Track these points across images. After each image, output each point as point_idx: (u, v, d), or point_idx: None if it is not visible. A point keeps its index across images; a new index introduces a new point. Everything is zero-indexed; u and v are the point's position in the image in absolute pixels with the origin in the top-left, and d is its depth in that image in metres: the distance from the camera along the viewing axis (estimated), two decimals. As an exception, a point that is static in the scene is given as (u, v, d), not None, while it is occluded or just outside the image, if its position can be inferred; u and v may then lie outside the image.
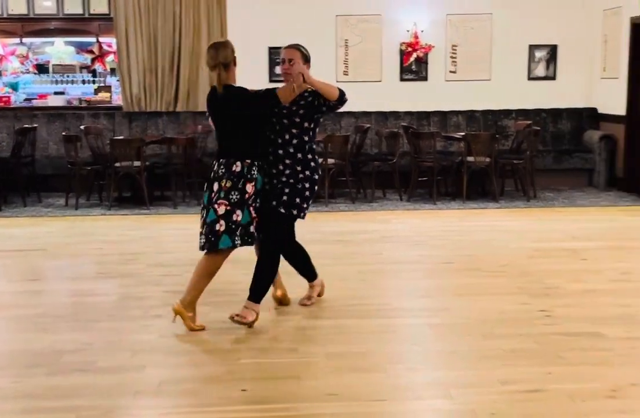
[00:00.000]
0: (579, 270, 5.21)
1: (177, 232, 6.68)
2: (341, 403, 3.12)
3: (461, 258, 5.63)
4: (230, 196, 3.91)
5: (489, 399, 3.15)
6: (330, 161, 7.90)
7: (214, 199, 3.94)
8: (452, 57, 9.40)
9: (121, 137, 8.36)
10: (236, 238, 3.94)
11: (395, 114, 9.36)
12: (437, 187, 8.13)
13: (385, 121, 9.33)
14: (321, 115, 4.16)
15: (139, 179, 7.73)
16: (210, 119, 4.13)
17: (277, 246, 4.13)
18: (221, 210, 3.91)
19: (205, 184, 4.04)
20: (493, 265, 5.37)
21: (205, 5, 9.15)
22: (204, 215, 3.98)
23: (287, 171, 4.05)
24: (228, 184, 3.91)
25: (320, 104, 4.07)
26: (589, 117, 9.30)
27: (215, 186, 3.95)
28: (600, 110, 9.24)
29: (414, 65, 9.38)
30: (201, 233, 3.98)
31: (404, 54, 9.32)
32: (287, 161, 4.05)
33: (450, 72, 9.42)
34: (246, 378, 3.38)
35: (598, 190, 8.74)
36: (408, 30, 9.25)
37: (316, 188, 4.20)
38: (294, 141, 4.06)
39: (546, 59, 9.40)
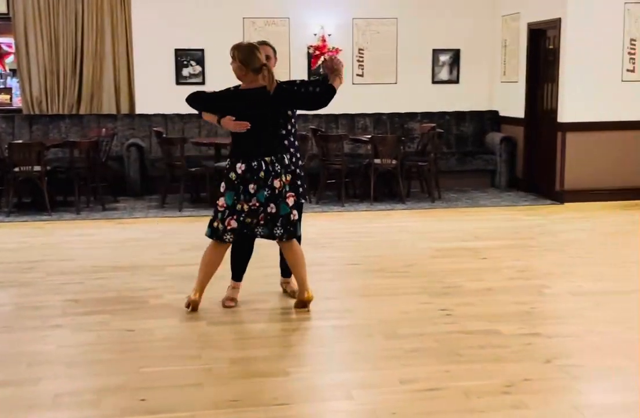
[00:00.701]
0: (479, 268, 5.37)
1: (79, 238, 6.52)
2: (243, 409, 3.11)
3: (367, 259, 5.71)
4: (294, 187, 4.28)
5: (389, 399, 3.21)
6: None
7: (282, 194, 4.20)
8: (359, 60, 9.52)
9: (20, 141, 8.09)
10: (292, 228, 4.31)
11: (303, 117, 9.38)
12: (345, 189, 8.22)
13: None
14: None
15: (40, 184, 7.50)
16: (219, 118, 4.18)
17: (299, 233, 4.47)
18: (291, 202, 4.24)
19: (251, 186, 4.15)
20: (398, 265, 5.46)
21: (109, 5, 8.96)
22: (272, 209, 4.19)
23: (293, 159, 4.37)
24: (289, 178, 4.24)
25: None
26: (491, 119, 9.61)
27: (278, 183, 4.18)
28: (501, 113, 9.55)
29: (321, 68, 9.44)
30: (272, 225, 4.22)
31: (311, 58, 9.39)
32: (292, 150, 4.39)
33: (357, 75, 9.54)
34: (146, 387, 3.33)
35: (499, 190, 9.03)
36: (315, 34, 9.32)
37: None
38: (293, 130, 4.41)
39: (449, 63, 9.64)
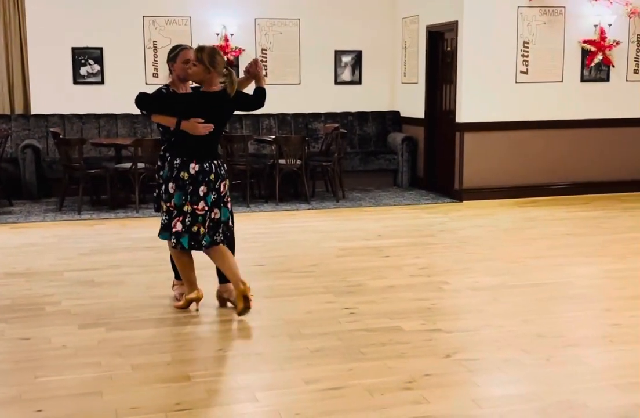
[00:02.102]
0: (381, 266, 5.45)
1: (-28, 244, 6.24)
2: (145, 416, 3.05)
3: (272, 259, 5.70)
4: (227, 193, 4.29)
5: (293, 399, 3.21)
6: (141, 165, 7.71)
7: (224, 199, 4.23)
8: (262, 61, 9.49)
9: None
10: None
11: (207, 117, 9.30)
12: (250, 190, 8.19)
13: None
14: None
15: None
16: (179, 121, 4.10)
17: None
18: (229, 207, 4.30)
19: (202, 188, 4.13)
20: (302, 265, 5.49)
21: (0, 0, 8.61)
22: (216, 215, 4.19)
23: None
24: (227, 183, 4.28)
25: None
26: (392, 120, 9.78)
27: (222, 187, 4.22)
28: (403, 113, 9.74)
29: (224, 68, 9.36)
30: (214, 231, 4.20)
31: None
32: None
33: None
34: (43, 397, 3.21)
35: (401, 189, 9.21)
36: (218, 34, 9.23)
37: None
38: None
39: (352, 64, 9.75)
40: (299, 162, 8.10)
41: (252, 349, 3.85)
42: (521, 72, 8.39)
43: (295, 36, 9.53)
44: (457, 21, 8.28)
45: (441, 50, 8.86)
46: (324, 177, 8.77)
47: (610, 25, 8.44)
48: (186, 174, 4.13)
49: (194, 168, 4.12)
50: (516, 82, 8.39)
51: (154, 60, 9.15)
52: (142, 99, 4.20)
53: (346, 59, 9.73)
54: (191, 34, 9.20)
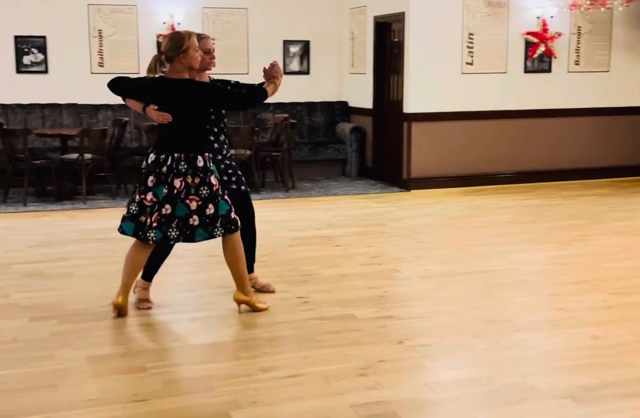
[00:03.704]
0: (333, 255, 5.51)
1: None
2: (101, 408, 3.04)
3: (224, 250, 5.69)
4: (201, 192, 3.96)
5: (250, 388, 3.24)
6: (88, 156, 7.61)
7: (181, 195, 3.94)
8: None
9: None
10: (215, 230, 4.02)
11: (150, 109, 9.21)
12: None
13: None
14: None
15: None
16: (144, 106, 4.01)
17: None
18: (193, 205, 3.96)
19: (151, 178, 3.95)
20: (255, 255, 5.49)
21: (-63, -13, 8.36)
22: (167, 210, 3.94)
23: (228, 154, 4.34)
24: (197, 181, 3.95)
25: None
26: (341, 110, 9.83)
27: (179, 183, 3.93)
28: (351, 104, 9.80)
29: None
30: (167, 226, 3.96)
31: (161, 47, 9.18)
32: (225, 145, 4.31)
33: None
34: (-4, 391, 3.18)
35: (351, 179, 9.28)
36: (165, 22, 9.13)
37: None
38: (222, 125, 4.32)
39: (300, 54, 9.76)
40: (248, 152, 8.09)
41: (208, 339, 3.86)
42: (467, 63, 8.53)
43: (243, 26, 9.48)
44: (403, 12, 8.36)
45: (389, 41, 8.93)
46: (273, 167, 8.78)
47: (552, 17, 8.63)
48: (144, 163, 4.03)
49: (151, 157, 3.99)
50: (462, 73, 8.52)
51: (100, 49, 9.00)
52: (113, 82, 4.10)
53: (294, 49, 9.73)
54: (137, 22, 9.08)
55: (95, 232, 6.31)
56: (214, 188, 3.99)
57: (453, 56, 8.46)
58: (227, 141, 4.38)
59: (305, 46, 9.74)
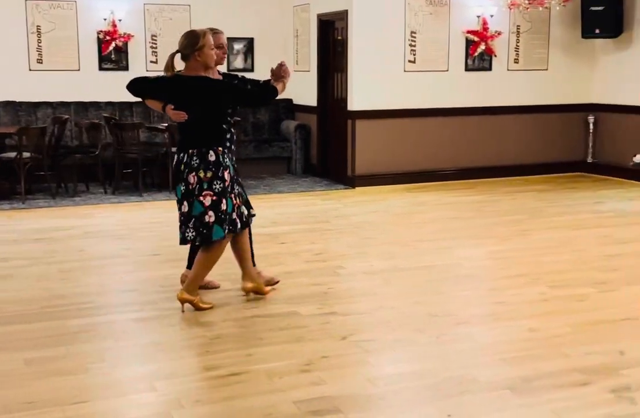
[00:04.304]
0: (277, 253, 5.51)
1: None
2: (40, 410, 2.99)
3: (167, 248, 5.65)
4: (214, 186, 3.97)
5: (193, 387, 3.23)
6: (26, 154, 7.44)
7: (195, 191, 3.96)
8: (152, 47, 9.33)
9: None
10: (225, 227, 4.02)
11: (96, 105, 9.07)
12: (142, 179, 8.06)
13: (85, 111, 9.01)
14: None
15: None
16: (164, 106, 4.06)
17: None
18: (207, 201, 3.97)
19: (177, 178, 4.05)
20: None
21: None
22: (185, 208, 4.01)
23: (233, 157, 4.30)
24: (209, 175, 3.96)
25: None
26: (285, 108, 9.82)
27: (192, 178, 3.96)
28: (295, 101, 9.80)
29: (113, 54, 9.14)
30: (185, 226, 4.02)
31: (102, 43, 9.05)
32: (233, 147, 4.26)
33: (151, 62, 9.34)
34: None
35: (296, 176, 9.29)
36: (105, 19, 8.99)
37: None
38: (232, 121, 4.27)
39: (244, 52, 9.72)
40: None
41: (150, 339, 3.82)
42: (409, 61, 8.61)
43: (186, 22, 9.38)
44: (346, 10, 8.39)
45: (332, 38, 8.96)
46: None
47: (492, 16, 8.78)
48: (180, 166, 4.07)
49: (175, 158, 4.08)
50: (404, 71, 8.60)
51: (38, 45, 8.81)
52: (132, 84, 4.15)
53: (238, 46, 9.68)
54: (77, 18, 8.92)
55: (34, 232, 6.18)
56: (227, 183, 4.04)
57: (396, 54, 8.53)
58: (234, 137, 4.37)
59: (250, 43, 9.71)
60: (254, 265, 4.54)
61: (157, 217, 6.87)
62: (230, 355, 3.56)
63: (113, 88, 9.10)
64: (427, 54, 8.67)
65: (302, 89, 9.51)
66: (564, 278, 4.84)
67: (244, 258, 4.33)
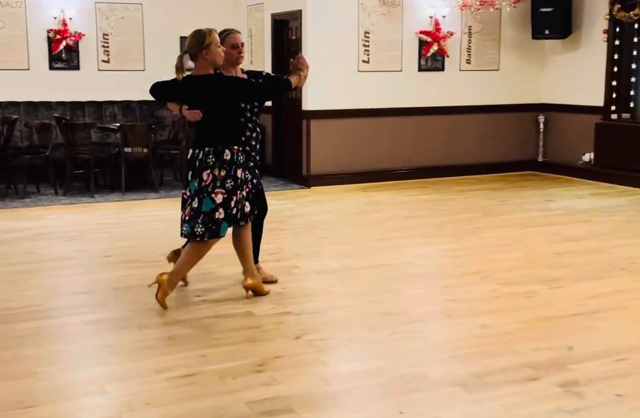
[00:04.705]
0: (231, 253, 5.36)
1: None
2: (-14, 416, 2.93)
3: (120, 250, 5.59)
4: (226, 185, 4.09)
5: (144, 389, 3.19)
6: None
7: (208, 188, 4.07)
8: (104, 46, 9.21)
9: None
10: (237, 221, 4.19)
11: (46, 105, 8.93)
12: (94, 179, 7.95)
13: (35, 111, 8.86)
14: None
15: None
16: (180, 107, 4.17)
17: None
18: (219, 199, 4.08)
19: (190, 173, 4.15)
20: (151, 254, 5.42)
21: None
22: (195, 204, 4.10)
23: (256, 158, 4.49)
24: (223, 173, 4.08)
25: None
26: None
27: (206, 176, 4.07)
28: (250, 101, 9.76)
29: (64, 53, 9.01)
30: (194, 222, 4.08)
31: (52, 42, 8.91)
32: (257, 146, 4.47)
33: (103, 61, 9.23)
34: None
35: (251, 177, 9.25)
36: (55, 17, 8.85)
37: None
38: (257, 121, 4.50)
39: (197, 51, 9.63)
40: (145, 150, 7.95)
41: (102, 341, 3.77)
42: (363, 61, 8.65)
43: (138, 21, 9.30)
44: (300, 10, 8.40)
45: (286, 38, 8.96)
46: (172, 165, 8.66)
47: (444, 17, 8.87)
48: (195, 163, 4.17)
49: (190, 154, 4.18)
50: (359, 71, 8.64)
51: (-14, 44, 8.64)
52: (152, 89, 4.25)
53: (191, 45, 9.59)
54: (26, 17, 8.77)
55: (-18, 234, 6.06)
56: (238, 181, 4.15)
57: (350, 54, 8.57)
58: (259, 136, 4.50)
59: (203, 43, 9.63)
60: (257, 261, 4.64)
61: (109, 218, 6.79)
62: (183, 356, 3.54)
63: (64, 88, 8.98)
64: (381, 54, 8.71)
65: (257, 88, 9.48)
66: (514, 276, 4.91)
67: (245, 254, 4.40)
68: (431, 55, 8.94)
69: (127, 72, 9.27)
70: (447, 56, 9.03)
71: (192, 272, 4.96)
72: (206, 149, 4.10)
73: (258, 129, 4.51)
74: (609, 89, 8.76)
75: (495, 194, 8.06)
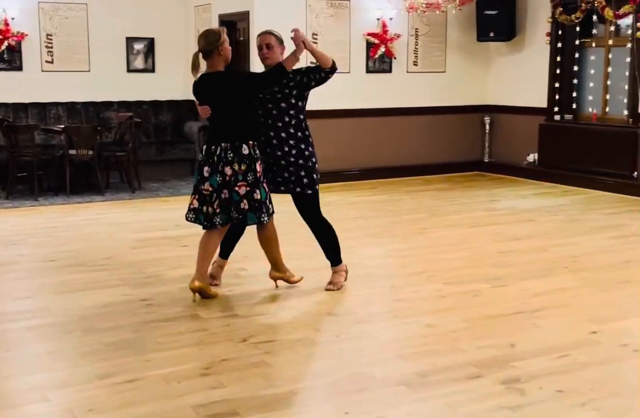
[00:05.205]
0: (179, 256, 5.44)
1: None
2: None
3: (64, 254, 5.50)
4: (248, 178, 4.24)
5: (87, 396, 3.14)
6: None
7: (232, 183, 4.21)
8: (47, 47, 9.04)
9: None
10: (262, 215, 4.34)
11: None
12: (38, 182, 7.80)
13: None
14: (309, 91, 4.51)
15: None
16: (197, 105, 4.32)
17: (320, 220, 4.75)
18: (242, 191, 4.24)
19: (206, 169, 4.23)
20: (96, 258, 5.34)
21: None
22: (226, 195, 4.23)
23: (294, 151, 4.46)
24: (243, 167, 4.23)
25: (310, 80, 4.47)
26: (188, 109, 9.69)
27: (228, 170, 4.21)
28: (198, 102, 9.69)
29: (6, 54, 8.81)
30: (229, 210, 4.26)
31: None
32: (291, 142, 4.45)
33: (47, 62, 9.06)
34: None
35: (200, 179, 9.18)
36: (-4, 17, 8.66)
37: None
38: (293, 122, 4.46)
39: (144, 52, 9.55)
40: (90, 152, 7.83)
41: (44, 348, 3.70)
42: (311, 63, 8.54)
43: (83, 22, 9.15)
44: (248, 11, 8.37)
45: (234, 39, 8.91)
46: (118, 167, 8.54)
47: (391, 19, 8.94)
48: (201, 156, 4.31)
49: (204, 149, 4.29)
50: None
51: None
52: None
53: (138, 46, 9.51)
54: (-35, 16, 8.55)
55: None
56: (258, 174, 4.28)
57: (297, 56, 8.55)
58: (297, 136, 4.52)
59: (150, 44, 9.55)
60: (226, 258, 4.76)
61: (53, 222, 6.66)
62: (126, 361, 3.49)
63: (6, 89, 8.79)
64: (329, 55, 8.70)
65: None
66: (460, 275, 4.98)
67: (270, 250, 4.55)
68: (379, 57, 9.00)
69: (71, 73, 9.12)
70: (395, 58, 9.10)
71: (136, 276, 4.92)
72: (223, 145, 4.24)
73: (279, 125, 4.45)
74: (552, 90, 8.94)
75: (442, 195, 8.15)
